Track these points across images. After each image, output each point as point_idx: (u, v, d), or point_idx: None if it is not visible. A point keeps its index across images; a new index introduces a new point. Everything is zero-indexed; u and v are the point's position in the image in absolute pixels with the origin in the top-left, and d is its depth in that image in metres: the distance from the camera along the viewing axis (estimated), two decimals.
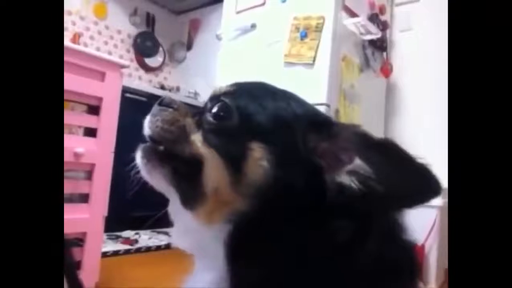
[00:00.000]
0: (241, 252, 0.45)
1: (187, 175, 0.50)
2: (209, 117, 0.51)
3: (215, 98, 0.53)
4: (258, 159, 0.46)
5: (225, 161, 0.47)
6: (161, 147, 0.53)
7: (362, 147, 0.43)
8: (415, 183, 0.41)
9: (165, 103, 0.56)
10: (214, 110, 0.51)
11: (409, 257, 0.47)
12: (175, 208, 0.53)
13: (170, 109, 0.55)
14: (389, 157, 0.42)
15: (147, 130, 0.54)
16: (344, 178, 0.43)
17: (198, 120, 0.53)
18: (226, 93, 0.53)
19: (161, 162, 0.52)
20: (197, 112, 0.55)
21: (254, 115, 0.49)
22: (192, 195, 0.49)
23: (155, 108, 0.56)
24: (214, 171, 0.48)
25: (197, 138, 0.51)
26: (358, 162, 0.43)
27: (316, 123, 0.49)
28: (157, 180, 0.53)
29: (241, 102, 0.51)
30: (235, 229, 0.45)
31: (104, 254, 2.03)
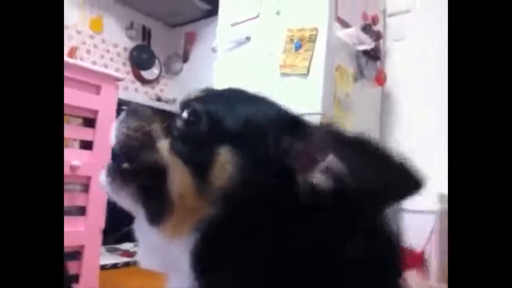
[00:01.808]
0: (208, 260, 0.44)
1: (152, 188, 0.49)
2: (178, 123, 0.50)
3: (185, 103, 0.52)
4: (225, 163, 0.45)
5: (190, 168, 0.46)
6: (126, 165, 0.52)
7: (335, 144, 0.42)
8: (391, 178, 0.40)
9: (132, 110, 0.55)
10: (183, 115, 0.50)
11: (393, 256, 0.46)
12: (140, 226, 0.51)
13: (138, 116, 0.54)
14: (363, 153, 0.41)
15: (113, 138, 0.53)
16: (318, 178, 0.42)
17: (167, 127, 0.52)
18: (196, 99, 0.52)
19: (126, 180, 0.51)
20: (168, 119, 0.54)
21: (223, 119, 0.48)
22: (158, 209, 0.48)
23: (122, 115, 0.55)
24: (178, 178, 0.47)
25: (163, 145, 0.50)
26: (331, 159, 0.42)
27: (289, 125, 0.48)
28: (123, 198, 0.52)
29: (211, 107, 0.49)
30: (202, 237, 0.44)
31: (103, 267, 2.02)
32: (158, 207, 0.48)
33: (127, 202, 0.52)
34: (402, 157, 0.40)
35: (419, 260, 1.72)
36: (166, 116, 0.55)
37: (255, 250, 0.43)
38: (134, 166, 0.52)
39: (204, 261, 0.44)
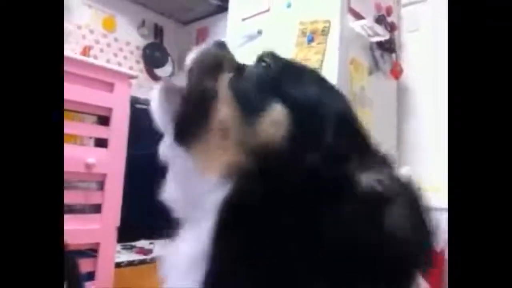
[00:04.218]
0: (234, 222, 0.41)
1: (195, 106, 0.48)
2: (247, 68, 0.51)
3: (261, 57, 0.52)
4: (274, 119, 0.43)
5: (240, 106, 0.45)
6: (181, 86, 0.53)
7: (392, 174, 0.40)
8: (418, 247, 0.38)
9: (217, 42, 0.56)
10: (258, 56, 0.51)
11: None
12: (172, 148, 0.50)
13: (221, 48, 0.55)
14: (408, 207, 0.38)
15: (190, 57, 0.54)
16: (366, 180, 0.40)
17: (237, 67, 0.52)
18: (272, 55, 0.51)
19: (175, 96, 0.51)
20: (242, 64, 0.54)
21: (289, 83, 0.46)
22: (191, 129, 0.46)
23: (204, 44, 0.56)
24: (224, 109, 0.46)
25: (225, 77, 0.50)
26: (386, 173, 0.40)
27: (354, 134, 0.45)
28: (163, 111, 0.51)
29: (282, 67, 0.49)
30: (233, 191, 0.41)
31: (119, 265, 2.03)
32: (193, 127, 0.47)
33: (166, 116, 0.50)
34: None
35: (439, 260, 1.66)
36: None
37: (275, 227, 0.39)
38: (190, 84, 0.52)
39: (228, 219, 0.40)
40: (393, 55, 2.32)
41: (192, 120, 0.48)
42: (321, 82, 0.50)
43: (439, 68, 2.26)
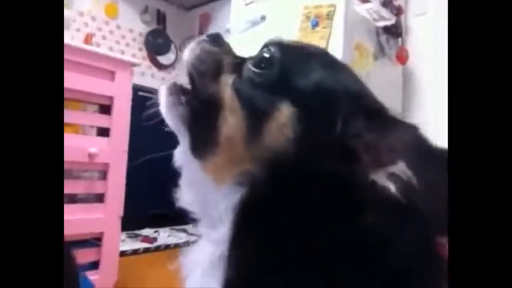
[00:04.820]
0: (249, 226, 0.40)
1: (204, 116, 0.47)
2: (249, 63, 0.47)
3: (265, 45, 0.49)
4: (281, 122, 0.41)
5: (245, 113, 0.43)
6: (187, 86, 0.51)
7: (414, 154, 0.36)
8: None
9: (214, 35, 0.54)
10: (256, 56, 0.47)
11: (436, 262, 0.40)
12: (184, 155, 0.49)
13: (217, 43, 0.52)
14: (443, 171, 0.34)
15: (186, 55, 0.52)
16: (380, 178, 0.36)
17: (237, 64, 0.49)
18: (277, 44, 0.48)
19: (182, 99, 0.50)
20: (242, 58, 0.52)
21: (296, 74, 0.44)
22: (203, 141, 0.46)
23: (201, 38, 0.53)
24: (231, 119, 0.44)
25: (227, 80, 0.48)
26: (402, 168, 0.36)
27: (368, 109, 0.42)
28: (174, 117, 0.50)
29: (287, 58, 0.46)
30: (247, 195, 0.40)
31: (124, 253, 2.05)
32: (204, 139, 0.46)
33: (176, 122, 0.50)
34: None
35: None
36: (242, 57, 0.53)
37: (290, 231, 0.39)
38: (194, 88, 0.50)
39: (244, 222, 0.40)
40: (399, 39, 2.27)
41: (201, 133, 0.47)
42: (330, 65, 0.47)
43: (446, 53, 2.21)
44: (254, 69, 0.46)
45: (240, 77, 0.47)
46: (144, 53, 3.67)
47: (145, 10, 3.65)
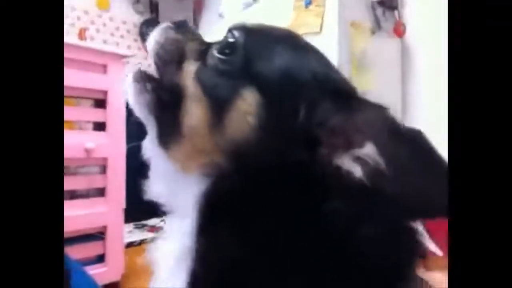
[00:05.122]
0: (216, 217, 0.40)
1: (168, 105, 0.46)
2: (214, 50, 0.46)
3: (229, 30, 0.47)
4: (244, 109, 0.40)
5: (209, 101, 0.42)
6: (153, 73, 0.50)
7: (381, 133, 0.35)
8: (434, 195, 0.33)
9: (178, 22, 0.52)
10: (221, 42, 0.46)
11: (410, 246, 0.39)
12: (152, 145, 0.48)
13: (180, 30, 0.51)
14: (413, 153, 0.33)
15: (149, 43, 0.51)
16: (345, 163, 0.35)
17: (203, 51, 0.48)
18: (242, 29, 0.46)
19: (148, 87, 0.48)
20: (208, 43, 0.50)
21: (260, 60, 0.42)
22: (169, 130, 0.45)
23: (166, 25, 0.52)
24: (194, 108, 0.44)
25: (190, 68, 0.47)
26: (370, 150, 0.34)
27: (334, 91, 0.40)
28: (141, 106, 0.49)
29: (252, 43, 0.44)
30: (213, 186, 0.40)
31: (131, 244, 2.06)
32: (169, 129, 0.45)
33: (143, 111, 0.49)
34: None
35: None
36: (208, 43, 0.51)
37: (258, 221, 0.38)
38: (159, 77, 0.50)
39: (209, 214, 0.40)
40: (396, 12, 2.23)
41: (167, 122, 0.46)
42: (296, 49, 0.45)
43: (444, 26, 2.16)
44: (218, 55, 0.45)
45: (205, 65, 0.46)
46: (139, 43, 3.63)
47: (138, 0, 3.61)
